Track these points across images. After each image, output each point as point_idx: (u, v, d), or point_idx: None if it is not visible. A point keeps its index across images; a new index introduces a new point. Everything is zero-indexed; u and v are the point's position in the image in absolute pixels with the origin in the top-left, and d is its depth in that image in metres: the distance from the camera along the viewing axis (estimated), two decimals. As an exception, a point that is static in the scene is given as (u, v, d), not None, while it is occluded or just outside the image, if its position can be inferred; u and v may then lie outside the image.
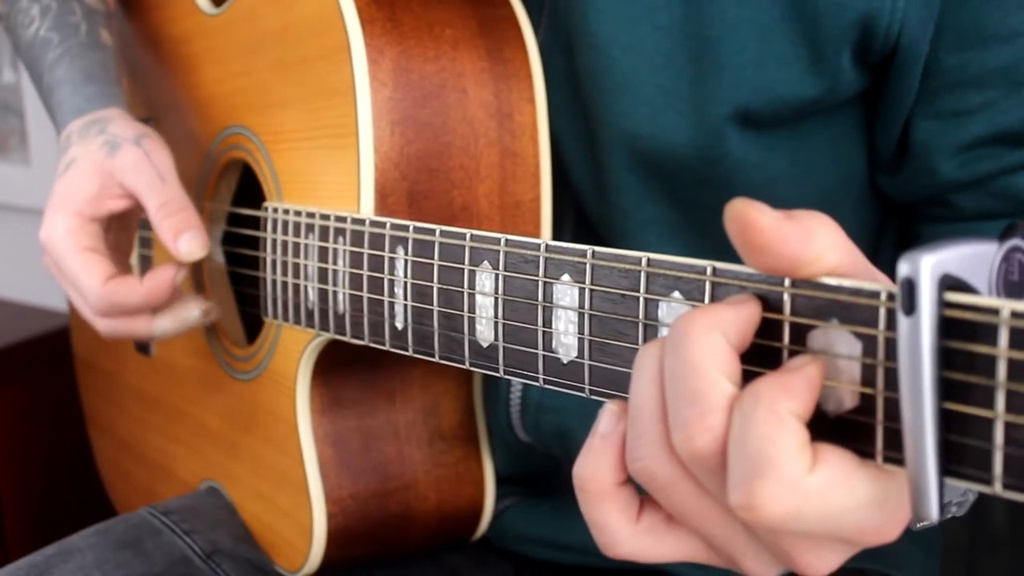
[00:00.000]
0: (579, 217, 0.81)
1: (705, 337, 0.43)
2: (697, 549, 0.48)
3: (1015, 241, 0.40)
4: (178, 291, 0.86)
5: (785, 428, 0.41)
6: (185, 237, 0.81)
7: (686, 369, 0.43)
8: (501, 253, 0.59)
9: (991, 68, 0.69)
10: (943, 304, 0.38)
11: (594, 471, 0.48)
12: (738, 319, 0.44)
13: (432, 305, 0.64)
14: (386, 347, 0.69)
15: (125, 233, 0.90)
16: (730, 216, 0.42)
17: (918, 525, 0.60)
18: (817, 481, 0.41)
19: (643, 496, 0.48)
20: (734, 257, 0.45)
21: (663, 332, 0.50)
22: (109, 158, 0.83)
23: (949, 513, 0.60)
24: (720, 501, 0.44)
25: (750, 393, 0.41)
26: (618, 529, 0.48)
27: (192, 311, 0.85)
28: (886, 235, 0.82)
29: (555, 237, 0.79)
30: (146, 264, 1.02)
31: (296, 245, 0.78)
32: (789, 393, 0.41)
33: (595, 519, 0.48)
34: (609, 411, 0.48)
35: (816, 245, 0.42)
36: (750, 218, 0.42)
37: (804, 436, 0.41)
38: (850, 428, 0.42)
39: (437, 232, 0.63)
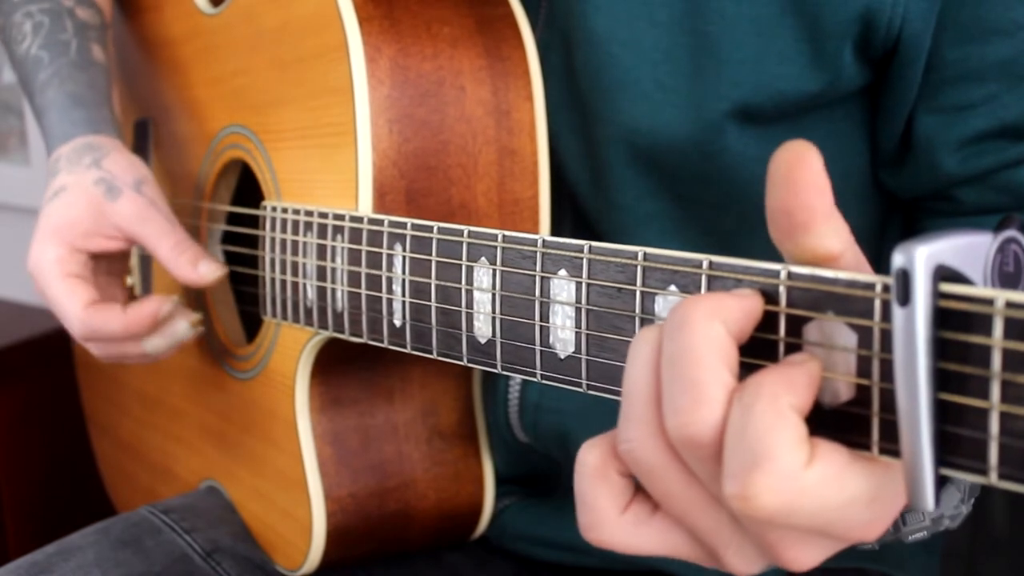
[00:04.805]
0: (576, 214, 0.80)
1: (705, 324, 0.43)
2: (678, 543, 0.48)
3: (1010, 232, 0.40)
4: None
5: (785, 421, 0.41)
6: (204, 263, 0.85)
7: (685, 355, 0.43)
8: (498, 249, 0.59)
9: (992, 61, 0.69)
10: (938, 295, 0.38)
11: (599, 451, 0.48)
12: (740, 309, 0.44)
13: (430, 302, 0.64)
14: (384, 344, 0.69)
15: (117, 260, 0.90)
16: (788, 149, 0.42)
17: (910, 538, 0.59)
18: (814, 476, 0.41)
19: (638, 491, 0.48)
20: (734, 252, 0.44)
21: (660, 326, 0.50)
22: (109, 202, 0.84)
23: (943, 526, 0.60)
24: (708, 489, 0.44)
25: (752, 385, 0.41)
26: (603, 511, 0.47)
27: (180, 325, 0.85)
28: (890, 232, 0.81)
29: (553, 234, 0.79)
30: (146, 264, 1.02)
31: (295, 243, 0.78)
32: (791, 387, 0.41)
33: (585, 497, 0.48)
34: None
35: (835, 220, 0.42)
36: (809, 156, 0.42)
37: (803, 431, 0.41)
38: (846, 420, 0.42)
39: (435, 228, 0.63)
